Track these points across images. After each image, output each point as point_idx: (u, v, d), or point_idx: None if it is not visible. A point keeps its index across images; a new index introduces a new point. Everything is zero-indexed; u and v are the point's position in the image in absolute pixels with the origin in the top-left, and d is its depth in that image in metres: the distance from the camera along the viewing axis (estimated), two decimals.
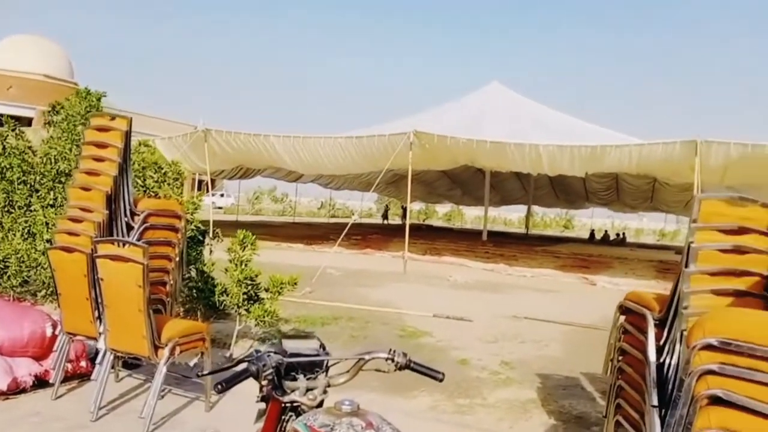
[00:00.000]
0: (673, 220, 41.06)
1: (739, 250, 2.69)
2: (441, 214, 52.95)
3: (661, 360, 2.80)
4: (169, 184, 6.14)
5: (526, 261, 16.89)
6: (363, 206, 43.08)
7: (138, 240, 4.00)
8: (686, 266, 2.67)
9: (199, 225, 6.19)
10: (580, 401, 4.71)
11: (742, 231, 2.68)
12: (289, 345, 1.63)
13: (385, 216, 40.44)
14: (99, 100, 6.36)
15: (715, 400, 1.79)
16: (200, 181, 29.26)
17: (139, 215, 4.27)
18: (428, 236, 24.80)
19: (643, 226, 51.03)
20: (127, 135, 4.23)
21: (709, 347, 1.79)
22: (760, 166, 12.31)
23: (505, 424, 4.16)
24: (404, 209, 32.15)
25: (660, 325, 2.89)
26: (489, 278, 13.22)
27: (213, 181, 20.93)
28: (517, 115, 19.85)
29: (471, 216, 50.66)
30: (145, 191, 5.88)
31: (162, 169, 6.10)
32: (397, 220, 38.14)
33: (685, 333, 2.41)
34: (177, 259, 4.46)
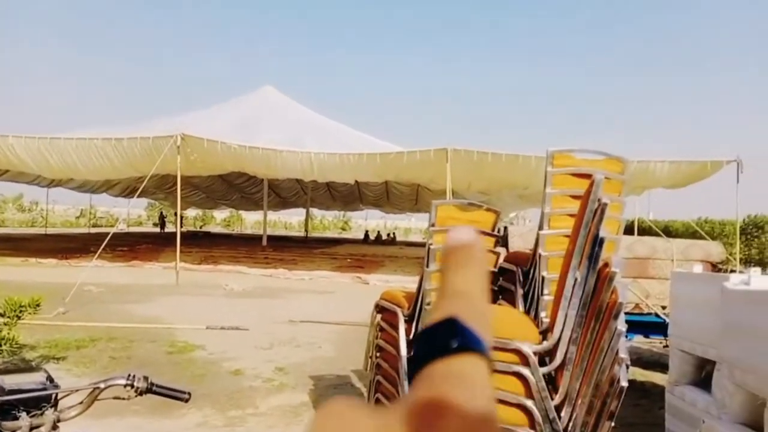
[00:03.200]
0: None
1: None
2: (220, 219, 51.30)
3: (411, 354, 3.06)
4: None
5: (305, 264, 17.20)
6: (131, 213, 39.71)
7: None
8: (427, 266, 2.96)
9: None
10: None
11: None
12: (7, 381, 1.44)
13: (162, 224, 37.66)
14: None
15: None
16: None
17: None
18: (205, 244, 23.81)
19: (412, 225, 55.68)
20: None
21: None
22: (501, 170, 14.25)
23: (276, 431, 4.17)
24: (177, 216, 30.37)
25: (409, 320, 3.16)
26: (268, 284, 13.18)
27: None
28: (291, 120, 20.10)
29: (251, 221, 49.89)
30: None
31: None
32: (173, 228, 35.83)
33: None
34: None
